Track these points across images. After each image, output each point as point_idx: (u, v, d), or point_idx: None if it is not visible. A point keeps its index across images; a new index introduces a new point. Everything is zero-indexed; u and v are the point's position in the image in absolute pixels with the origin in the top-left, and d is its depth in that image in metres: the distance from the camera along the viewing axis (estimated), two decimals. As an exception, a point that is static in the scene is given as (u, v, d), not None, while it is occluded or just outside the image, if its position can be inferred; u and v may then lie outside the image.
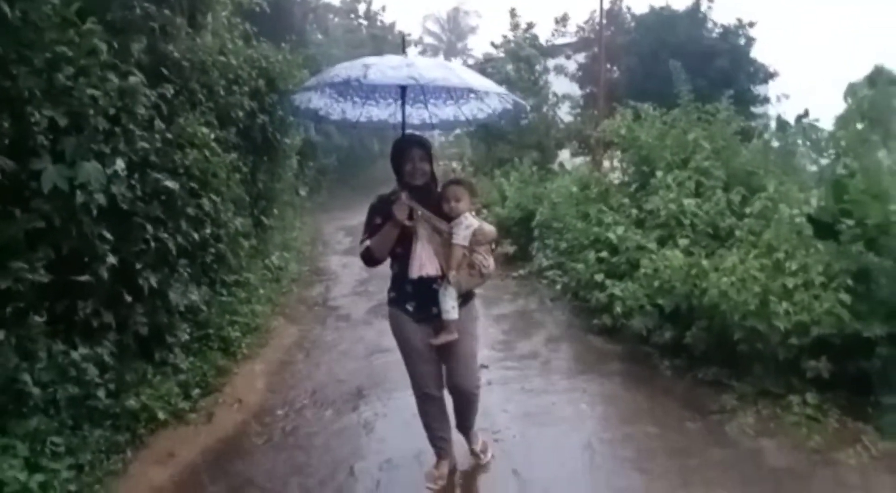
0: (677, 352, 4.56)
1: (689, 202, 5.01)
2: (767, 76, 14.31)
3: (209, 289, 5.63)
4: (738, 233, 4.75)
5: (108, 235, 3.72)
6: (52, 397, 3.32)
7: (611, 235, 5.38)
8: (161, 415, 3.86)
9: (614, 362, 4.82)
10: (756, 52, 14.88)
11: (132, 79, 4.02)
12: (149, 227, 4.19)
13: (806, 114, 5.34)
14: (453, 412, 3.22)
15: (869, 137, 4.91)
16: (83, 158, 3.47)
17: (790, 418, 3.66)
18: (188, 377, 4.48)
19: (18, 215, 3.19)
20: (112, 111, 3.79)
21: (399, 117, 3.23)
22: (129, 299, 4.04)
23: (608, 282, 5.11)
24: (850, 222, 4.20)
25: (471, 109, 3.44)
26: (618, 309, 4.71)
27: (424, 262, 2.89)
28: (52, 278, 3.32)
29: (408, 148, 2.98)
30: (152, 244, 4.22)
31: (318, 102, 3.36)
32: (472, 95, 3.34)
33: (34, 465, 2.99)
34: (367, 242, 2.92)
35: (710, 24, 15.05)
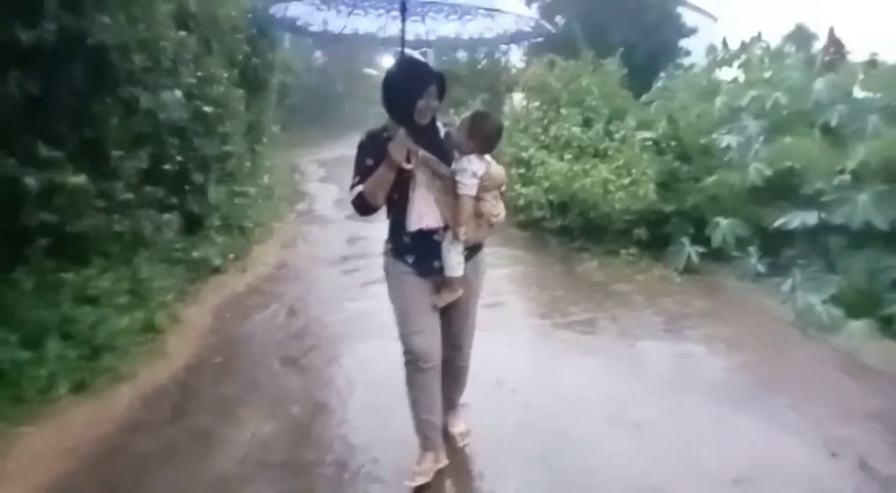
0: (562, 232, 6.71)
1: (576, 130, 7.07)
2: (689, 31, 16.32)
3: (227, 193, 7.51)
4: (609, 152, 6.83)
5: (176, 142, 5.58)
6: (153, 242, 5.22)
7: (524, 155, 7.42)
8: (219, 262, 5.81)
9: (521, 240, 6.95)
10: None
11: (181, 33, 5.80)
12: (195, 139, 6.04)
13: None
14: (444, 379, 2.76)
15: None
16: (161, 89, 5.29)
17: (618, 262, 5.91)
18: (222, 248, 6.41)
19: (128, 125, 5.01)
20: (172, 56, 5.57)
21: (388, 31, 2.94)
22: (186, 187, 5.93)
23: (520, 188, 7.16)
24: (674, 143, 6.35)
25: (477, 28, 2.99)
26: (521, 202, 6.80)
27: (424, 212, 2.48)
28: (149, 165, 5.17)
29: (425, 80, 2.42)
30: (200, 151, 6.08)
31: (296, 9, 2.89)
32: (481, 12, 2.83)
33: (144, 289, 4.87)
34: (359, 188, 2.46)
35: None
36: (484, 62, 15.93)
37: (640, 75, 10.24)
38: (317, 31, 3.01)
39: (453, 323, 2.73)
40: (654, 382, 3.67)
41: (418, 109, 2.40)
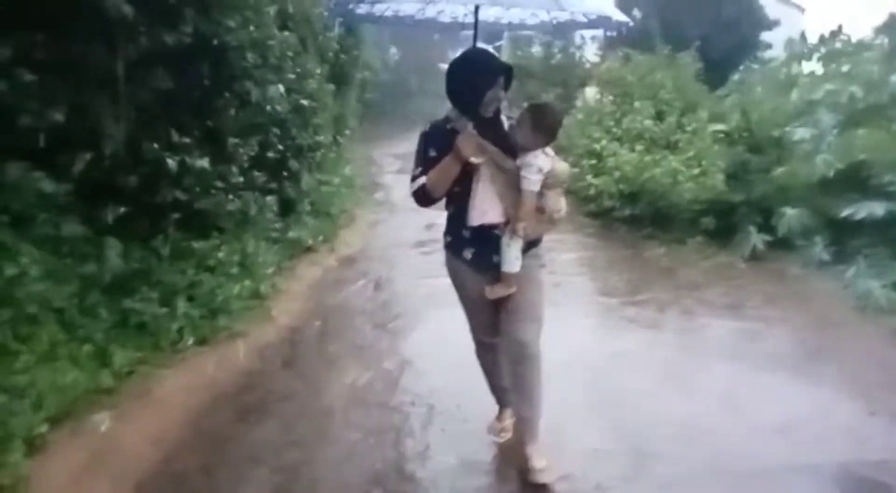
0: (631, 221, 6.99)
1: (648, 123, 7.30)
2: (770, 24, 15.97)
3: (315, 181, 8.17)
4: (680, 143, 7.05)
5: (278, 132, 6.22)
6: (256, 222, 5.87)
7: (596, 147, 7.71)
8: (310, 243, 6.43)
9: (593, 228, 7.27)
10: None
11: (285, 33, 6.42)
12: (293, 130, 6.68)
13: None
14: (511, 388, 2.81)
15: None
16: (268, 84, 5.91)
17: (685, 249, 6.14)
18: (313, 230, 7.03)
19: (241, 116, 5.66)
20: (277, 54, 6.19)
21: (427, 13, 2.94)
22: (284, 174, 6.57)
23: (592, 178, 7.47)
24: (746, 135, 6.52)
25: (520, 12, 3.02)
26: (591, 191, 7.11)
27: (486, 207, 2.46)
28: (256, 152, 5.81)
29: (496, 73, 2.41)
30: (296, 141, 6.71)
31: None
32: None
33: (250, 262, 5.49)
34: (422, 180, 2.45)
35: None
36: (559, 57, 16.16)
37: (718, 69, 10.32)
38: (390, 17, 2.99)
39: (517, 320, 2.63)
40: (712, 351, 4.00)
41: (485, 101, 2.40)
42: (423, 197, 2.49)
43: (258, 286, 5.07)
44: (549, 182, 2.47)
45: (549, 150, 2.51)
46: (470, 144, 2.33)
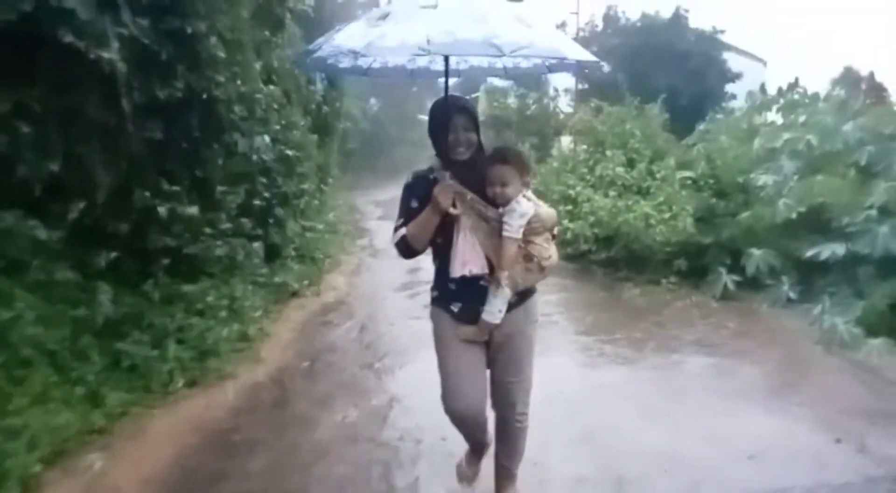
0: (607, 263, 7.23)
1: (620, 170, 7.64)
2: (734, 76, 16.82)
3: (300, 227, 8.34)
4: (651, 189, 7.37)
5: (264, 180, 6.40)
6: (243, 267, 5.99)
7: (572, 193, 8.01)
8: (296, 287, 6.54)
9: (569, 271, 7.49)
10: (746, 45, 17.61)
11: (272, 87, 6.68)
12: (279, 179, 6.87)
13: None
14: (495, 436, 2.70)
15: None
16: (255, 135, 6.12)
17: (659, 290, 6.37)
18: (298, 275, 7.15)
19: (229, 165, 5.84)
20: (263, 106, 6.43)
21: (417, 63, 2.78)
22: (270, 221, 6.73)
23: (568, 223, 7.73)
24: (712, 181, 6.85)
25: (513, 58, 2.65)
26: (568, 235, 7.36)
27: (467, 258, 2.37)
28: (243, 200, 5.98)
29: (450, 115, 2.39)
30: (282, 189, 6.90)
31: (327, 48, 2.48)
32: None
33: (238, 305, 5.60)
34: (403, 231, 2.41)
35: (688, 31, 17.61)
36: (534, 108, 16.78)
37: (685, 119, 10.83)
38: (347, 68, 2.75)
39: (505, 378, 2.53)
40: (686, 385, 4.17)
41: (450, 143, 2.36)
42: (406, 249, 2.44)
43: (246, 329, 5.17)
44: (534, 228, 2.36)
45: (530, 194, 2.43)
46: (446, 195, 2.27)
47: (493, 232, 2.35)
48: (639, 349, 4.89)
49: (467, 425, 2.58)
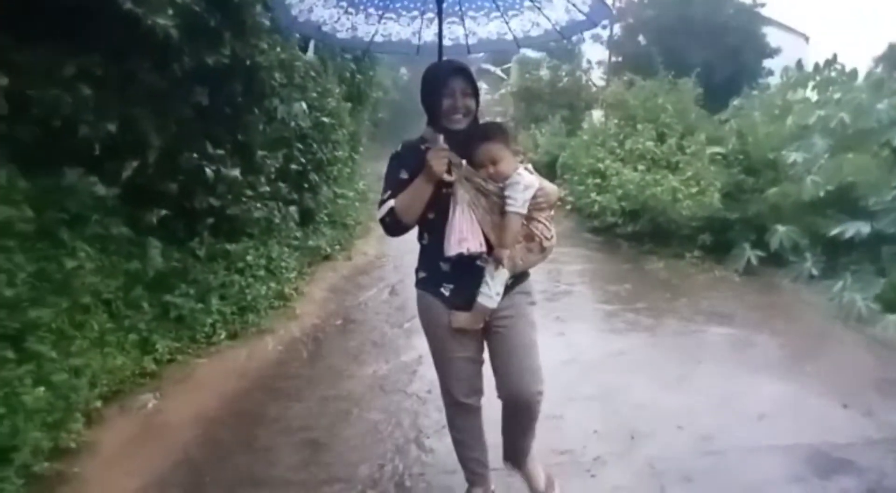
0: (632, 237, 7.35)
1: (650, 144, 7.69)
2: (772, 51, 16.48)
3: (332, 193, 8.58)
4: (680, 164, 7.43)
5: (301, 147, 6.62)
6: (279, 229, 6.25)
7: (601, 166, 8.10)
8: (328, 251, 6.81)
9: (596, 243, 7.64)
10: (789, 19, 17.20)
11: (309, 54, 6.86)
12: (314, 145, 7.09)
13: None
14: (501, 432, 2.46)
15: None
16: (293, 101, 6.32)
17: (683, 263, 6.50)
18: (330, 239, 7.41)
19: (268, 130, 6.07)
20: (301, 74, 6.61)
21: (423, 37, 2.59)
22: (305, 186, 6.97)
23: (595, 196, 7.84)
24: (742, 157, 6.90)
25: (522, 25, 2.56)
26: (595, 208, 7.48)
27: (466, 234, 2.14)
28: (281, 165, 6.21)
29: (445, 77, 2.19)
30: (317, 156, 7.12)
31: (321, 12, 2.50)
32: (526, 4, 2.47)
33: (274, 266, 5.87)
34: (391, 203, 2.17)
35: (727, 4, 17.24)
36: (566, 80, 16.68)
37: (719, 94, 10.75)
38: (345, 39, 2.58)
39: (507, 355, 2.28)
40: (703, 352, 4.33)
41: (444, 108, 2.16)
42: (393, 224, 2.18)
43: (282, 288, 5.44)
44: (538, 203, 2.19)
45: (531, 167, 2.27)
46: (440, 160, 2.07)
47: (494, 207, 2.16)
48: (659, 319, 5.04)
49: (468, 412, 2.39)
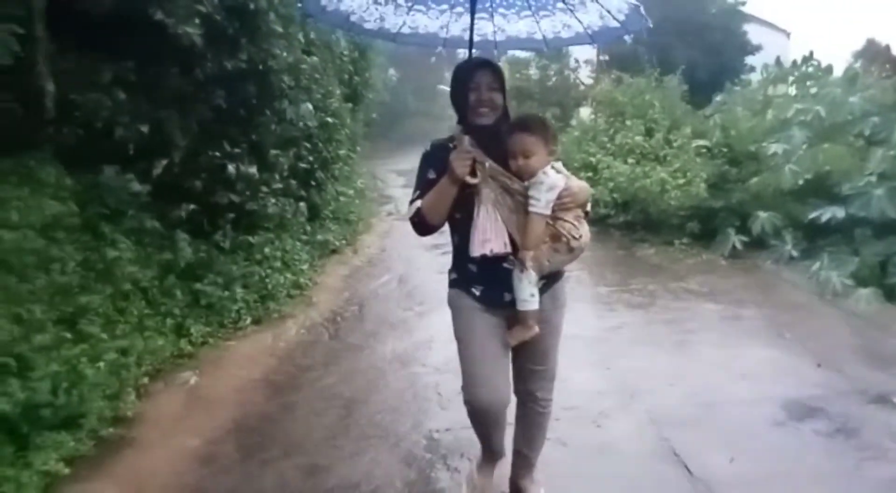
0: (624, 226, 7.76)
1: (639, 138, 8.11)
2: (753, 49, 16.98)
3: (335, 192, 8.92)
4: (667, 157, 7.84)
5: (308, 145, 6.96)
6: (290, 224, 6.58)
7: (592, 160, 8.50)
8: (336, 244, 7.15)
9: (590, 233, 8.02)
10: (771, 16, 17.62)
11: (314, 58, 7.20)
12: (320, 144, 7.43)
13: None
14: (512, 438, 2.56)
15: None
16: (300, 102, 6.66)
17: (672, 250, 6.91)
18: (337, 234, 7.75)
19: (279, 131, 6.39)
20: (307, 76, 6.95)
21: (451, 31, 2.57)
22: (312, 183, 7.31)
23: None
24: (725, 150, 7.32)
25: (553, 25, 2.51)
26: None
27: (489, 235, 2.11)
28: (291, 163, 6.54)
29: (471, 71, 2.18)
30: (322, 154, 7.46)
31: (350, 2, 2.43)
32: (559, 6, 2.40)
33: (289, 258, 6.21)
34: (418, 203, 2.18)
35: (709, 4, 17.70)
36: (554, 79, 17.08)
37: (703, 90, 11.17)
38: (373, 29, 2.51)
39: (529, 366, 2.36)
40: (692, 325, 4.75)
41: (471, 104, 2.14)
42: (421, 224, 2.19)
43: (298, 279, 5.79)
44: (564, 202, 2.10)
45: (560, 165, 2.19)
46: (463, 161, 2.05)
47: (519, 207, 2.11)
48: (652, 298, 5.43)
49: (489, 418, 2.34)
